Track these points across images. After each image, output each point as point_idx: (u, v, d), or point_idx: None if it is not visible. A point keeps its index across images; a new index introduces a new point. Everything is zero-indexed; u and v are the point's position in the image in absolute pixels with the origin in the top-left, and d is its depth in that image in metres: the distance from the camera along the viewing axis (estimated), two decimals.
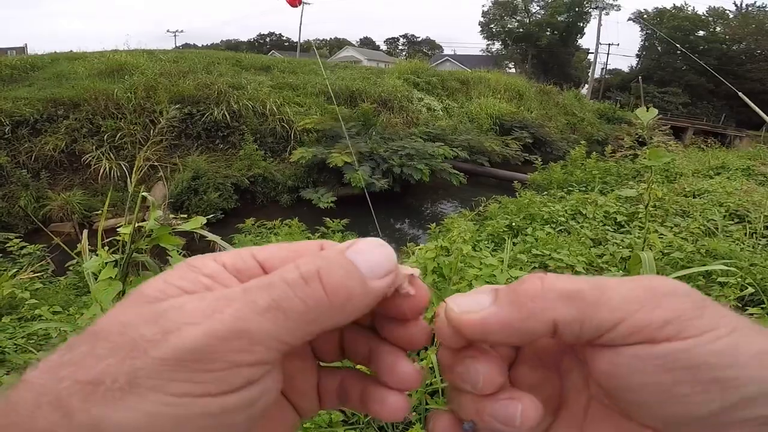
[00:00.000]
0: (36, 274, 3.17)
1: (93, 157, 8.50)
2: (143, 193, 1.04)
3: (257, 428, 0.20)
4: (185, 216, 1.12)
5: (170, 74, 10.66)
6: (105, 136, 8.79)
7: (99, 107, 9.10)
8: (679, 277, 2.31)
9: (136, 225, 1.06)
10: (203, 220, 1.06)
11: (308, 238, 3.30)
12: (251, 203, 8.76)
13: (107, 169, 8.46)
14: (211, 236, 1.05)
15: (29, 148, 8.24)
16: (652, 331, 0.19)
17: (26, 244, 3.71)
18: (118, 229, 1.04)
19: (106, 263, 1.16)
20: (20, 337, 1.91)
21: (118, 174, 8.48)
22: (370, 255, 0.20)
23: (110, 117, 9.11)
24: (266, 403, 0.20)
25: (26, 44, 21.61)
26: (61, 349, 0.18)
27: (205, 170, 8.53)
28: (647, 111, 2.23)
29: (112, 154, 8.69)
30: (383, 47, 58.59)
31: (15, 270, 3.15)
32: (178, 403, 0.16)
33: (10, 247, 3.68)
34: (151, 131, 9.15)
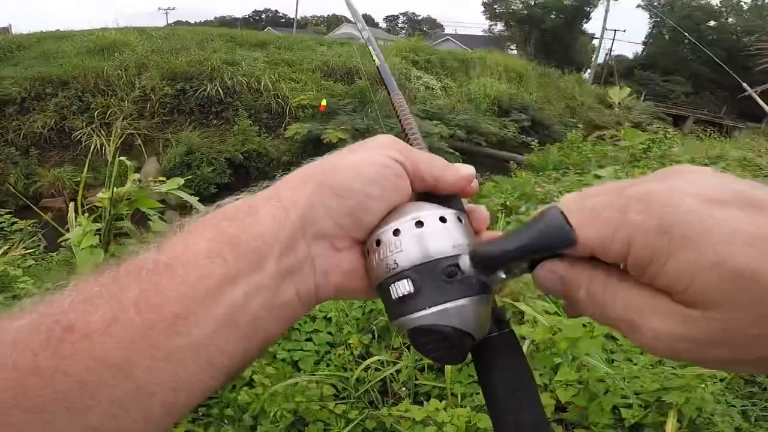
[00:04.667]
0: (28, 251, 3.11)
1: (83, 134, 8.41)
2: (121, 158, 1.00)
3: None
4: (163, 179, 1.08)
5: (162, 51, 10.42)
6: (95, 113, 8.68)
7: (88, 85, 8.97)
8: None
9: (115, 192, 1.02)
10: (180, 181, 1.03)
11: None
12: (245, 178, 8.72)
13: (98, 145, 8.34)
14: (186, 197, 1.02)
15: (17, 126, 8.19)
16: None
17: (17, 219, 3.62)
18: (98, 195, 1.01)
19: (87, 232, 1.13)
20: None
21: (110, 149, 8.37)
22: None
23: (100, 94, 8.96)
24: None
25: (10, 24, 20.75)
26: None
27: (198, 145, 8.46)
28: (620, 90, 2.19)
29: (102, 131, 8.59)
30: (383, 25, 57.28)
31: (6, 247, 3.09)
32: None
33: (0, 223, 3.59)
34: (144, 108, 9.03)
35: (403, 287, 0.24)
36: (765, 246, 0.18)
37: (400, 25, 58.90)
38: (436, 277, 0.24)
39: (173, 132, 8.99)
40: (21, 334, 0.20)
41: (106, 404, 0.20)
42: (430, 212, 0.26)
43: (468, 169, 0.29)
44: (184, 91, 9.51)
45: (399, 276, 0.25)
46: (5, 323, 0.20)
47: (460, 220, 0.26)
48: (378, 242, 0.25)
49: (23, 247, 3.13)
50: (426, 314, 0.24)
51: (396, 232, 0.25)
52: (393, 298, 0.25)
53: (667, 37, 32.37)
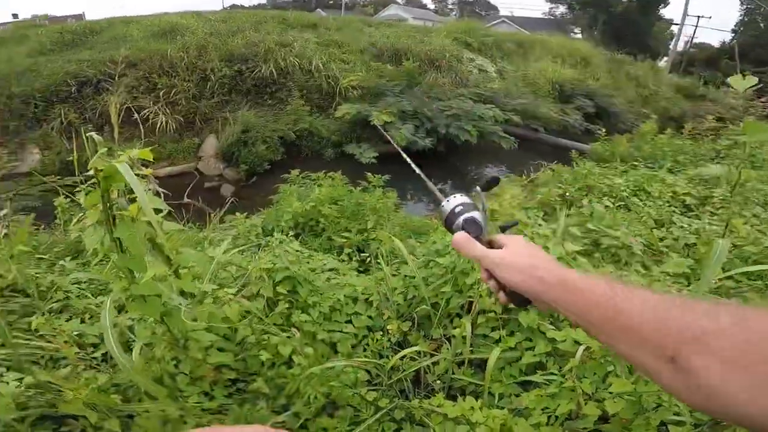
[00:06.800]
0: None
1: (150, 112, 8.91)
2: (90, 133, 0.99)
3: None
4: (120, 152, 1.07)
5: (220, 34, 10.86)
6: (161, 93, 9.19)
7: (154, 66, 9.49)
8: (746, 273, 1.99)
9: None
10: (134, 152, 1.00)
11: (350, 191, 3.26)
12: (296, 156, 8.94)
13: (163, 122, 8.87)
14: (129, 177, 0.98)
15: (93, 105, 8.83)
16: None
17: (92, 189, 3.85)
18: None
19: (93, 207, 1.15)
20: (83, 281, 1.93)
21: (174, 127, 8.91)
22: None
23: (165, 75, 9.48)
24: None
25: (84, 12, 22.93)
26: None
27: (253, 124, 8.75)
28: (744, 77, 1.85)
29: (168, 109, 9.08)
30: (431, 6, 55.40)
31: (81, 214, 3.30)
32: None
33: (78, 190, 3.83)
34: (204, 88, 9.47)
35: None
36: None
37: (449, 6, 56.69)
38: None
39: (231, 111, 9.36)
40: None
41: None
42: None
43: None
44: (241, 72, 9.83)
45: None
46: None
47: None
48: None
49: None
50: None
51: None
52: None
53: (762, 24, 28.79)
